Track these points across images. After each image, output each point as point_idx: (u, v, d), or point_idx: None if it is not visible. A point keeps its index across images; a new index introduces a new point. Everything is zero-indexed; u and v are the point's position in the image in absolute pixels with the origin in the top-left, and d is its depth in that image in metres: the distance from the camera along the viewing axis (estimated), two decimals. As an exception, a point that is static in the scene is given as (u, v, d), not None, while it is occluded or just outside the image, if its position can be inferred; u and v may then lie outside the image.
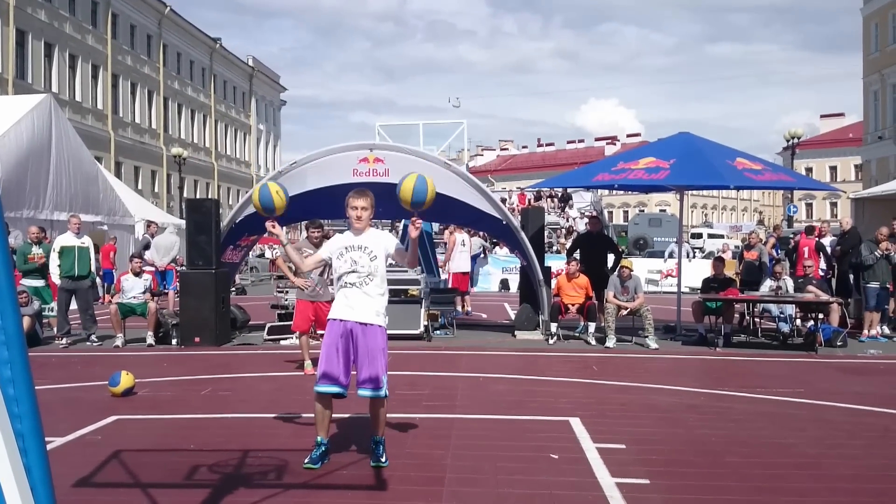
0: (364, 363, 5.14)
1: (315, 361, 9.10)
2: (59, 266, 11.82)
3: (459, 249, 16.19)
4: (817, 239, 14.85)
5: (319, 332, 10.22)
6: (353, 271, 5.17)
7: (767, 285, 12.44)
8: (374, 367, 5.13)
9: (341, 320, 5.18)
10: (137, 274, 11.80)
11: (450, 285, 15.95)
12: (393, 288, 13.05)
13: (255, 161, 60.45)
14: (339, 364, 5.14)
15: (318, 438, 5.28)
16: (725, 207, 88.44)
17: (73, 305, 12.11)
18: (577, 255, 13.12)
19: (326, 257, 5.37)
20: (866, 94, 43.15)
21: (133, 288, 11.68)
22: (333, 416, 5.42)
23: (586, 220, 22.86)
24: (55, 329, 12.11)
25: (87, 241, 12.25)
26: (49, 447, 3.64)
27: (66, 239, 12.07)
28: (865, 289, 12.46)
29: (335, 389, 5.15)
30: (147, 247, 16.54)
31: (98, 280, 16.00)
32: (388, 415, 5.48)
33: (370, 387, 5.13)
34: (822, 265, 14.78)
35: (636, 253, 30.12)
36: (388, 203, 13.64)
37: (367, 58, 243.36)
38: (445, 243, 18.05)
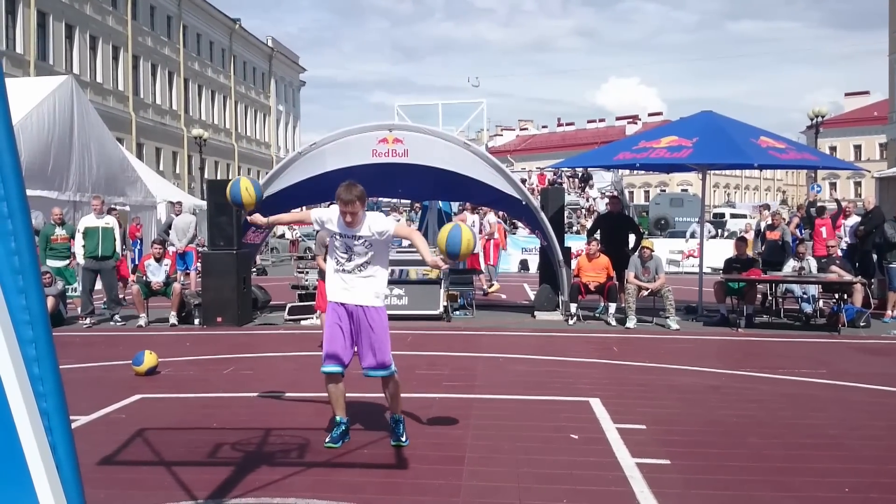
0: (369, 346, 5.18)
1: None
2: (84, 247, 11.95)
3: None
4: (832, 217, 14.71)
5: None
6: (350, 259, 5.18)
7: (790, 265, 12.34)
8: (380, 349, 5.17)
9: (341, 303, 5.21)
10: (158, 259, 11.88)
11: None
12: (412, 269, 13.12)
13: (275, 142, 60.55)
14: (341, 344, 5.18)
15: (337, 418, 5.33)
16: (748, 187, 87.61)
17: (98, 286, 12.24)
18: (597, 235, 13.07)
19: (314, 220, 5.36)
20: (892, 71, 42.37)
21: (155, 273, 11.77)
22: (354, 395, 5.46)
23: (607, 200, 22.75)
24: (79, 309, 12.26)
25: (110, 222, 12.35)
26: (74, 425, 3.68)
27: (89, 220, 12.20)
28: (889, 269, 12.32)
29: (338, 369, 5.20)
30: (170, 226, 16.66)
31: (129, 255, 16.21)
32: (408, 395, 5.52)
33: (379, 368, 5.19)
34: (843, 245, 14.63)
35: (657, 233, 29.99)
36: (408, 183, 13.67)
37: (386, 37, 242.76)
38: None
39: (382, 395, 5.41)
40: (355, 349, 5.25)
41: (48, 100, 15.85)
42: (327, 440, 5.25)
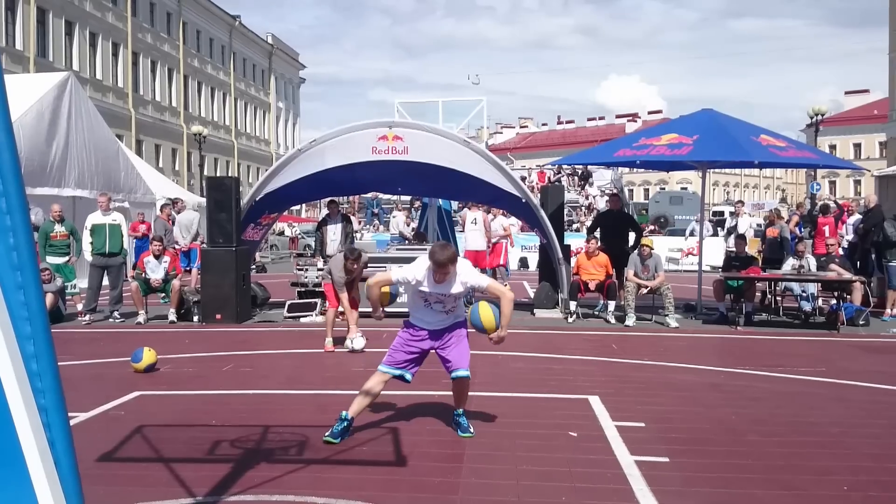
0: (453, 354, 5.38)
1: (336, 340, 9.19)
2: (91, 244, 11.97)
3: (470, 228, 16.13)
4: (834, 217, 14.73)
5: (341, 310, 10.29)
6: (438, 302, 5.32)
7: (790, 264, 12.33)
8: (463, 355, 5.40)
9: (423, 328, 5.39)
10: (157, 256, 11.86)
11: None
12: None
13: (275, 139, 60.54)
14: (407, 355, 5.37)
15: (344, 413, 5.33)
16: (748, 185, 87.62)
17: (105, 281, 12.25)
18: (597, 233, 13.07)
19: (396, 280, 5.34)
20: (892, 69, 42.37)
21: (154, 271, 11.76)
22: (351, 392, 5.49)
23: (606, 197, 22.74)
24: (78, 306, 12.25)
25: (118, 219, 12.36)
26: (72, 422, 3.68)
27: (96, 217, 12.22)
28: (888, 267, 12.32)
29: (397, 372, 5.35)
30: (172, 223, 16.58)
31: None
32: (406, 392, 5.60)
33: (461, 368, 5.38)
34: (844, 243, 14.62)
35: (657, 231, 29.97)
36: (408, 180, 13.64)
37: (387, 34, 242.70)
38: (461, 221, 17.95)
39: (385, 392, 5.43)
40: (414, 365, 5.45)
41: (47, 96, 15.82)
42: (327, 434, 5.25)
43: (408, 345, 5.38)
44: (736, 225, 14.69)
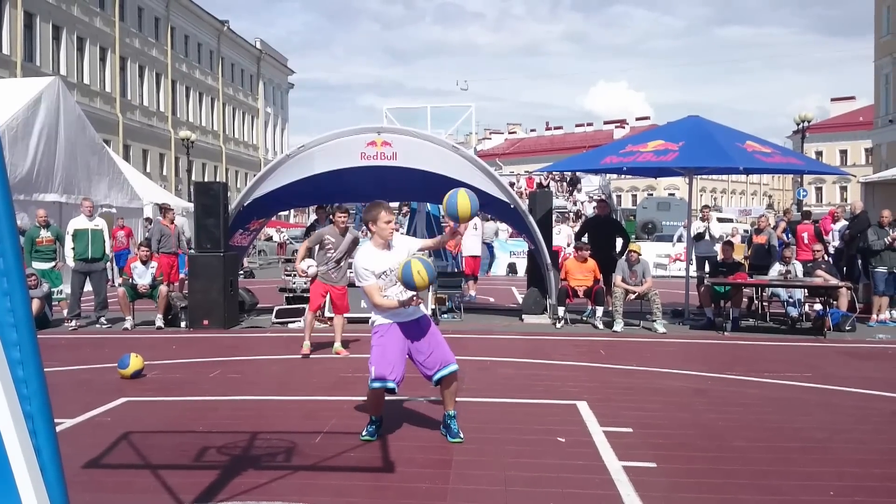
0: (434, 349, 5.37)
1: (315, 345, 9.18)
2: (74, 249, 11.89)
3: (472, 233, 16.07)
4: (815, 224, 14.80)
5: (328, 315, 10.27)
6: (397, 284, 5.31)
7: (776, 269, 12.39)
8: (442, 349, 5.39)
9: (399, 323, 5.36)
10: (145, 262, 11.81)
11: (463, 268, 15.89)
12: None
13: (263, 144, 60.39)
14: (391, 361, 5.29)
15: (374, 417, 5.50)
16: (735, 191, 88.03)
17: (87, 287, 12.17)
18: (585, 238, 13.10)
19: (369, 276, 5.31)
20: (877, 77, 42.72)
21: (141, 276, 11.70)
22: (339, 398, 5.50)
23: (594, 203, 22.80)
24: (64, 311, 12.18)
25: (100, 224, 12.29)
26: (59, 428, 3.66)
27: (79, 222, 12.13)
28: (874, 273, 12.41)
29: (390, 385, 5.29)
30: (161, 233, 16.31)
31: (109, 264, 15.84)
32: (395, 398, 5.59)
33: (449, 363, 5.36)
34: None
35: (645, 237, 30.08)
36: (396, 186, 13.64)
37: (376, 40, 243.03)
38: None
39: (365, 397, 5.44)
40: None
41: (35, 101, 15.75)
42: (364, 434, 5.42)
43: (388, 349, 5.30)
44: (705, 231, 14.72)
